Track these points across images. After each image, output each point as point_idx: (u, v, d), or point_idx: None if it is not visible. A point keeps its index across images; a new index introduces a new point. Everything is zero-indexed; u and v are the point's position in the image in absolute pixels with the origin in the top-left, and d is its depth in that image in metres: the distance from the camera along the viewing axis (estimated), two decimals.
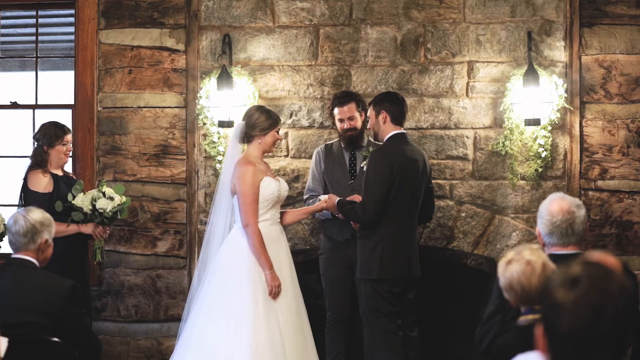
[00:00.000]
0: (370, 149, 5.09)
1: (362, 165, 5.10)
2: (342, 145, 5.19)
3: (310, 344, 4.73)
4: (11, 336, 3.01)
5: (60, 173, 5.09)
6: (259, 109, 4.82)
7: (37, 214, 3.60)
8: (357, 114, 5.08)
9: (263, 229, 4.65)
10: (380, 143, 5.11)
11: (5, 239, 3.85)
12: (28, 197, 4.92)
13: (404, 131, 4.84)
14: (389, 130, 4.77)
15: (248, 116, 4.78)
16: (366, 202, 4.64)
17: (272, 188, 4.69)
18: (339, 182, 5.12)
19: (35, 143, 5.09)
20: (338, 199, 4.77)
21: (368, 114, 4.90)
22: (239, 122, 4.98)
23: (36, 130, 5.17)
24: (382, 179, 4.63)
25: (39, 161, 5.00)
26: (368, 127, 4.93)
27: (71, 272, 4.40)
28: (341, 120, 5.08)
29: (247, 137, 4.74)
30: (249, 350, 4.39)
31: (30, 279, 3.53)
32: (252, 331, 4.44)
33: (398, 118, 4.79)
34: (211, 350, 4.46)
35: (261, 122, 4.71)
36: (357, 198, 4.91)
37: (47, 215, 3.65)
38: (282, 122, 5.01)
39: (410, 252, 4.77)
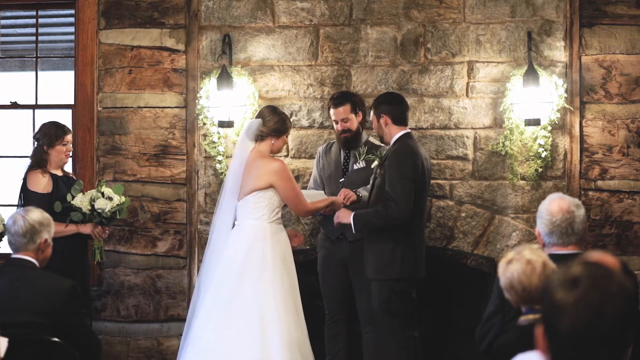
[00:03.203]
0: (363, 147, 5.10)
1: (355, 165, 5.10)
2: (339, 146, 5.20)
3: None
4: (11, 336, 3.01)
5: (59, 173, 5.09)
6: (276, 110, 4.82)
7: (36, 214, 3.60)
8: (352, 116, 5.08)
9: (274, 229, 4.67)
10: (379, 143, 5.12)
11: (5, 239, 3.85)
12: (27, 198, 4.92)
13: (410, 130, 4.82)
14: (395, 132, 4.74)
15: (265, 116, 4.77)
16: (397, 200, 4.53)
17: None
18: (331, 179, 5.15)
19: (35, 143, 5.09)
20: (352, 213, 4.70)
21: (371, 118, 4.87)
22: (247, 121, 5.06)
23: (36, 130, 5.17)
24: (408, 176, 4.58)
25: (38, 161, 5.00)
26: (374, 132, 4.92)
27: (71, 272, 4.40)
28: (336, 122, 5.10)
29: (263, 135, 4.75)
30: (282, 347, 4.40)
31: (30, 279, 3.53)
32: (285, 329, 4.45)
33: (400, 118, 4.77)
34: (236, 351, 4.43)
35: (278, 124, 4.73)
36: (345, 192, 4.90)
37: (46, 215, 3.64)
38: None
39: (423, 250, 4.79)
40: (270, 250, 4.62)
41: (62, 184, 5.01)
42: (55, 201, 4.89)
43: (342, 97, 5.11)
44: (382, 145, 5.05)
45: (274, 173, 4.64)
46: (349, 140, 5.12)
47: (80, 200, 4.87)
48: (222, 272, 4.62)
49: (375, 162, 4.88)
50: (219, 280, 4.62)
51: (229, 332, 4.47)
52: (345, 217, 4.70)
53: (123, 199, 4.98)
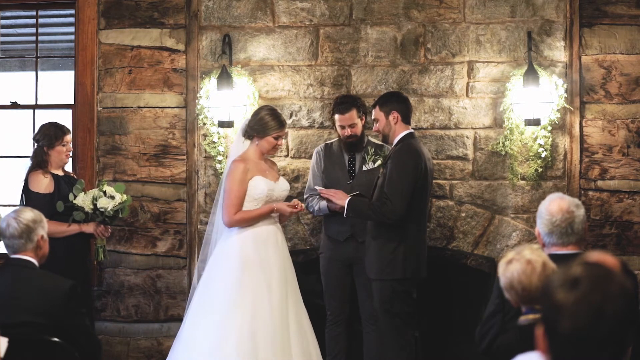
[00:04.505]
0: (370, 149, 5.09)
1: (364, 166, 5.10)
2: (342, 147, 5.19)
3: (312, 344, 4.73)
4: (11, 336, 3.01)
5: (61, 173, 5.09)
6: (267, 110, 4.80)
7: (27, 213, 3.59)
8: (357, 121, 5.06)
9: (251, 229, 4.67)
10: (381, 143, 5.12)
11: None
12: (29, 198, 4.92)
13: (412, 130, 4.82)
14: (401, 130, 4.73)
15: (254, 114, 4.82)
16: (392, 198, 4.54)
17: (261, 188, 4.69)
18: (337, 181, 5.11)
19: (36, 144, 5.09)
20: (349, 197, 4.72)
21: (374, 116, 4.84)
22: (240, 121, 5.03)
23: (36, 131, 5.17)
24: (409, 176, 4.58)
25: (39, 162, 5.00)
26: (375, 129, 4.87)
27: (73, 273, 4.39)
28: (342, 127, 5.07)
29: (247, 134, 4.77)
30: (208, 347, 4.45)
31: (29, 279, 3.53)
32: (219, 333, 4.48)
33: (408, 116, 4.79)
34: (190, 350, 4.52)
35: (261, 124, 4.73)
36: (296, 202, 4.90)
37: (37, 212, 3.64)
38: (284, 130, 4.87)
39: (425, 250, 4.79)
40: (237, 249, 4.65)
41: (64, 184, 5.01)
42: (57, 201, 4.89)
43: (348, 103, 5.05)
44: (385, 144, 5.05)
45: (227, 172, 4.71)
46: (355, 144, 5.12)
47: (83, 200, 4.87)
48: (207, 270, 4.73)
49: (379, 162, 4.88)
50: (202, 282, 4.71)
51: (195, 336, 4.52)
52: (341, 199, 4.72)
53: (125, 197, 4.98)
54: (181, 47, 5.69)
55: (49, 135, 5.00)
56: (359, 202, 4.70)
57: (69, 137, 5.08)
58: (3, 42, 6.16)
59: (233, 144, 4.96)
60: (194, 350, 4.50)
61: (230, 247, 4.66)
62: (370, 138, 5.23)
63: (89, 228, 4.95)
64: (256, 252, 4.64)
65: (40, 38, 6.04)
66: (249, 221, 4.67)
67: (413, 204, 4.61)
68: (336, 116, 5.07)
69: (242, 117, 5.41)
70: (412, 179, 4.58)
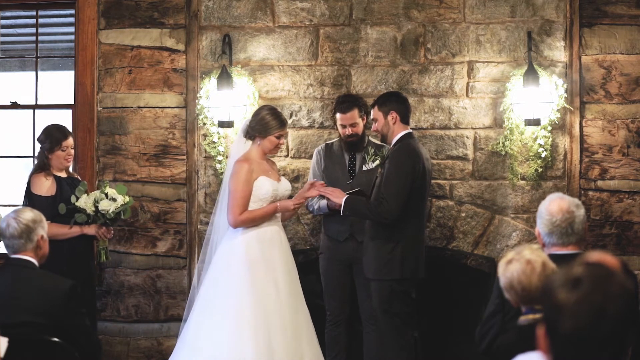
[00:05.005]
0: (370, 149, 5.09)
1: (364, 166, 5.10)
2: (342, 147, 5.19)
3: (313, 344, 4.73)
4: (11, 336, 3.01)
5: (64, 175, 5.08)
6: (267, 110, 4.77)
7: (27, 213, 3.59)
8: (359, 120, 5.07)
9: (256, 229, 4.67)
10: (381, 143, 5.12)
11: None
12: (31, 201, 4.91)
13: (411, 130, 4.82)
14: (399, 131, 4.73)
15: (255, 114, 4.81)
16: (388, 198, 4.54)
17: (266, 188, 4.69)
18: (337, 181, 5.10)
19: (39, 146, 5.09)
20: (346, 196, 4.73)
21: (372, 116, 4.84)
22: (240, 121, 5.02)
23: (39, 133, 5.15)
24: (406, 176, 4.57)
25: (41, 165, 5.01)
26: (373, 129, 4.86)
27: (76, 274, 4.39)
28: (343, 126, 5.08)
29: (248, 134, 4.77)
30: (227, 349, 4.44)
31: (29, 279, 3.53)
32: (234, 332, 4.47)
33: (407, 117, 4.78)
34: (196, 351, 4.51)
35: (262, 124, 4.71)
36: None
37: (37, 212, 3.64)
38: (286, 129, 4.83)
39: (423, 250, 4.79)
40: (242, 250, 4.64)
41: (66, 186, 5.00)
42: (59, 203, 4.88)
43: (350, 102, 5.06)
44: (385, 145, 5.05)
45: (231, 173, 4.69)
46: (355, 143, 5.12)
47: (84, 202, 4.86)
48: (210, 271, 4.71)
49: (377, 162, 4.88)
50: (205, 283, 4.71)
51: (199, 336, 4.51)
52: (338, 197, 4.71)
53: (127, 199, 4.98)
54: (181, 47, 5.69)
55: (49, 139, 5.00)
56: (356, 201, 4.70)
57: (69, 142, 5.04)
58: (3, 42, 6.15)
59: (234, 145, 4.95)
60: (199, 352, 4.48)
61: (236, 247, 4.65)
62: (370, 138, 5.23)
63: (90, 230, 4.95)
64: (261, 253, 4.64)
65: (40, 38, 6.04)
66: (255, 221, 4.67)
67: (411, 204, 4.61)
68: (337, 115, 5.08)
69: (242, 117, 5.41)
70: (409, 179, 4.58)
